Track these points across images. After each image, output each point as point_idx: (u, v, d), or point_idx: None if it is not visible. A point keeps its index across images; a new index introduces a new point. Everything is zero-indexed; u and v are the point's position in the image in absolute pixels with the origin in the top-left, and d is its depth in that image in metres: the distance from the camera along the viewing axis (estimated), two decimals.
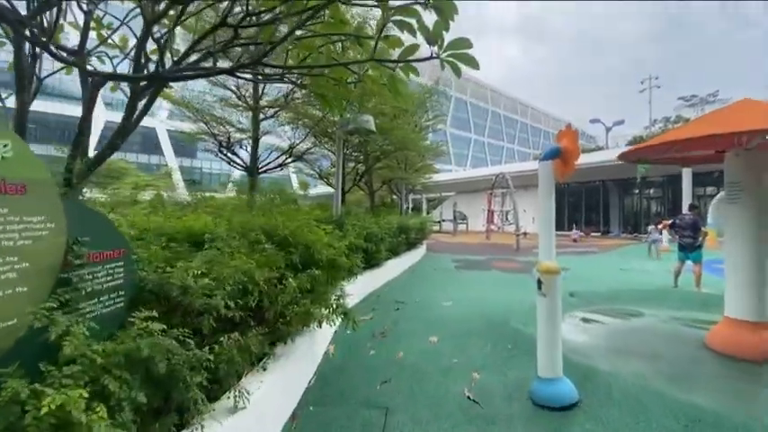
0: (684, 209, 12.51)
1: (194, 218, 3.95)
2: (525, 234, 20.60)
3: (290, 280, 2.80)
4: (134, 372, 1.38)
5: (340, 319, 3.36)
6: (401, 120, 9.12)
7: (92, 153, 2.72)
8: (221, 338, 1.90)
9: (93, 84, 2.37)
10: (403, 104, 8.08)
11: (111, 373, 1.29)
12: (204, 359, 1.56)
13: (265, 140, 7.72)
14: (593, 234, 25.02)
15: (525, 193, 24.74)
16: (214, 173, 53.29)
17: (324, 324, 3.08)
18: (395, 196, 19.98)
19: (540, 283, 2.95)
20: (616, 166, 24.10)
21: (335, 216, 6.65)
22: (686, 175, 9.18)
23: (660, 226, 15.33)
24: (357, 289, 5.96)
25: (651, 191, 26.03)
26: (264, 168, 6.62)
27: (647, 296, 6.40)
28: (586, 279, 8.34)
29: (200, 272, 1.96)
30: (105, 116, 39.60)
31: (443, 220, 29.55)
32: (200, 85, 6.62)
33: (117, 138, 2.54)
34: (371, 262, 7.02)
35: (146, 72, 2.53)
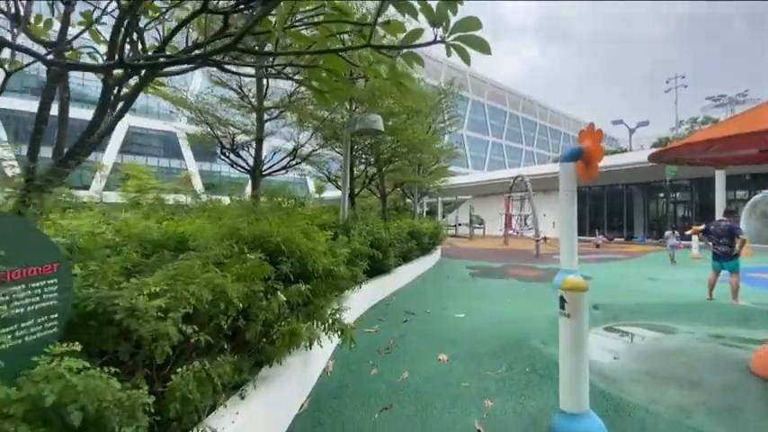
0: (718, 214, 11.73)
1: (186, 223, 3.72)
2: (545, 239, 19.88)
3: (278, 294, 2.50)
4: (42, 425, 1.09)
5: (338, 335, 3.05)
6: (413, 121, 8.78)
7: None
8: (179, 369, 1.60)
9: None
10: (413, 103, 7.75)
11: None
12: (139, 402, 1.26)
13: (272, 142, 7.50)
14: (616, 239, 24.01)
15: (545, 197, 23.97)
16: (233, 176, 54.18)
17: (316, 343, 2.76)
18: (408, 200, 19.63)
19: (563, 301, 2.54)
20: (640, 169, 23.12)
21: (342, 221, 6.36)
22: (719, 177, 8.51)
23: (690, 231, 14.49)
24: (364, 298, 5.65)
25: (677, 194, 24.83)
26: (269, 171, 6.38)
27: (680, 310, 5.84)
28: (611, 289, 7.79)
29: (157, 289, 1.67)
30: (129, 120, 40.77)
31: (459, 224, 28.98)
32: (202, 85, 6.45)
33: (88, 136, 2.30)
34: (381, 268, 6.71)
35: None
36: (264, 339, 2.35)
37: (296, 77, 3.10)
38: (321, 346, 2.92)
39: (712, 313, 5.62)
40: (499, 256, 14.55)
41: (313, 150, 6.73)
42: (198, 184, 40.19)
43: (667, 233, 13.80)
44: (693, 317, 5.51)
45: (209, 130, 6.07)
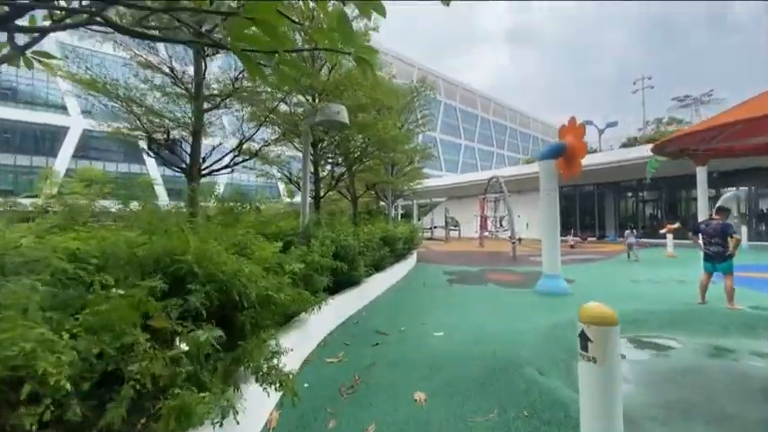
0: (701, 213, 11.68)
1: (86, 236, 2.80)
2: (520, 240, 19.65)
3: (178, 342, 1.67)
4: None
5: (276, 388, 2.22)
6: (383, 116, 8.07)
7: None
8: None
9: None
10: (383, 97, 7.04)
11: None
12: None
13: (218, 138, 6.52)
14: (589, 239, 24.20)
15: (519, 198, 23.87)
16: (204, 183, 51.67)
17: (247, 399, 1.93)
18: (382, 203, 18.92)
19: (585, 339, 1.82)
20: (610, 169, 23.47)
21: (302, 227, 5.52)
22: (701, 174, 8.27)
23: (664, 230, 14.53)
24: (328, 317, 4.83)
25: (646, 194, 25.38)
26: (209, 170, 5.43)
27: (678, 318, 5.35)
28: (597, 294, 7.29)
29: None
30: (82, 124, 38.12)
31: (435, 227, 28.55)
32: (122, 69, 5.43)
33: None
34: (349, 280, 5.91)
35: None
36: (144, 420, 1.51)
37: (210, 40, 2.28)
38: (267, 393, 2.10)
39: (712, 321, 5.15)
40: (476, 260, 14.03)
41: (265, 145, 5.82)
42: (162, 192, 38.04)
43: (627, 232, 14.25)
44: (694, 326, 5.02)
45: (136, 122, 5.06)
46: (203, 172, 5.20)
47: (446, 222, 25.37)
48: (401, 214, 45.08)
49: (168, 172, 48.25)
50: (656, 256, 14.47)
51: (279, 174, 8.95)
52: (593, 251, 17.29)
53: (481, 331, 4.77)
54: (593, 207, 26.73)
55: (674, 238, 13.99)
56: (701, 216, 16.12)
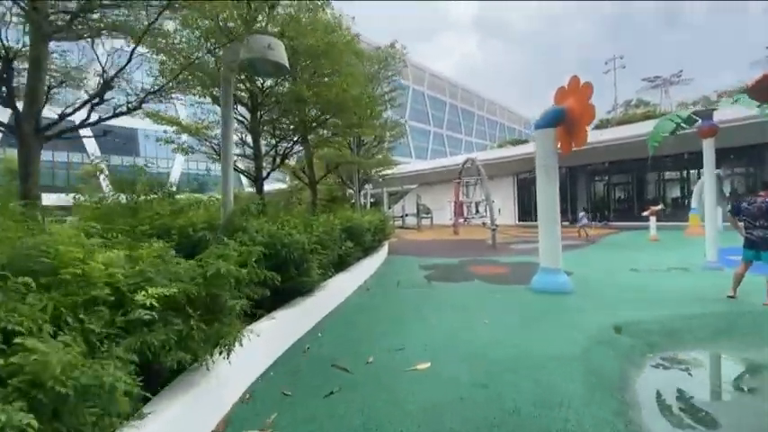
0: (695, 195, 10.90)
1: None
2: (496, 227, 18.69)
3: None
4: None
5: None
6: (343, 77, 6.42)
7: None
8: None
9: None
10: (341, 50, 5.38)
11: None
12: None
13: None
14: (563, 223, 23.70)
15: (490, 184, 22.86)
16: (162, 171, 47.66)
17: None
18: (350, 190, 17.27)
19: None
20: (581, 152, 22.95)
21: (223, 219, 3.87)
22: (708, 147, 7.29)
23: (647, 212, 13.86)
24: (258, 350, 3.26)
25: (616, 177, 25.18)
26: (49, 131, 3.58)
27: (724, 324, 4.19)
28: (602, 290, 6.13)
29: None
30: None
31: (406, 215, 27.25)
32: None
33: None
34: (295, 289, 4.34)
35: None
36: None
37: None
38: None
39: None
40: (453, 249, 12.77)
41: (158, 90, 4.02)
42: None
43: (581, 214, 16.43)
44: (748, 336, 3.86)
45: None
46: (49, 133, 3.38)
47: (418, 210, 24.08)
48: (371, 202, 43.59)
49: (115, 161, 43.98)
50: (638, 240, 13.80)
51: (202, 146, 7.05)
52: (572, 236, 16.53)
53: (483, 359, 3.36)
54: (564, 191, 26.29)
55: (657, 221, 13.33)
56: (695, 199, 15.82)
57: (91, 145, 40.98)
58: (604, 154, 22.29)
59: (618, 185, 25.24)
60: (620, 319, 4.33)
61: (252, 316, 3.57)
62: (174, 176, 49.24)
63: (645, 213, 13.61)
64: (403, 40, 11.78)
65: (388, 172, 15.45)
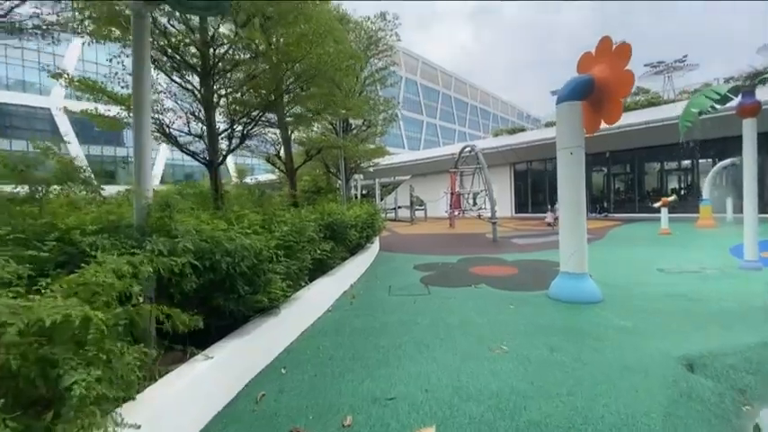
0: (748, 180, 9.92)
1: None
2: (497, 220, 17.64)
3: None
4: None
5: None
6: (320, 43, 5.17)
7: None
8: None
9: None
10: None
11: None
12: None
13: None
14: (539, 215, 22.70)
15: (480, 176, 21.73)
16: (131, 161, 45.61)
17: None
18: (340, 181, 16.05)
19: None
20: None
21: (138, 218, 2.69)
22: (749, 128, 6.25)
23: (659, 204, 12.90)
24: (189, 404, 2.11)
25: (616, 167, 24.25)
26: None
27: None
28: (638, 299, 5.08)
29: None
30: None
31: (399, 207, 26.12)
32: None
33: None
34: (254, 307, 3.20)
35: None
36: None
37: None
38: None
39: None
40: (451, 245, 11.69)
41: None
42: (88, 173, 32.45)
43: (556, 206, 16.61)
44: None
45: None
46: None
47: (411, 202, 22.95)
48: (363, 194, 42.34)
49: (94, 150, 42.01)
50: (647, 233, 12.83)
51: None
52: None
53: (515, 421, 2.25)
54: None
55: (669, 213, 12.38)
56: (706, 189, 14.71)
57: (70, 135, 38.98)
58: (605, 143, 21.32)
59: (618, 176, 24.35)
60: (684, 346, 3.26)
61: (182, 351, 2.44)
62: (159, 167, 47.41)
63: (657, 205, 12.64)
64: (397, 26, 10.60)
65: (379, 161, 14.22)
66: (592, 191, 24.77)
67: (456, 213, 17.37)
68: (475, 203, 16.33)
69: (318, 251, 4.55)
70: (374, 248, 9.47)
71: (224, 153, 5.70)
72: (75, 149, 36.54)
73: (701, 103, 6.45)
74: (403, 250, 10.64)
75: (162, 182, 40.65)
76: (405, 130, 68.87)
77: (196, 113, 5.44)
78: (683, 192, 20.01)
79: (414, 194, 23.22)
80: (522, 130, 26.86)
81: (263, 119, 6.50)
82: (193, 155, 5.42)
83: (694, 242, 10.45)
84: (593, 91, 5.00)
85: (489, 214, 17.56)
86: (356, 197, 21.97)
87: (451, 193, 17.04)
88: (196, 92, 4.98)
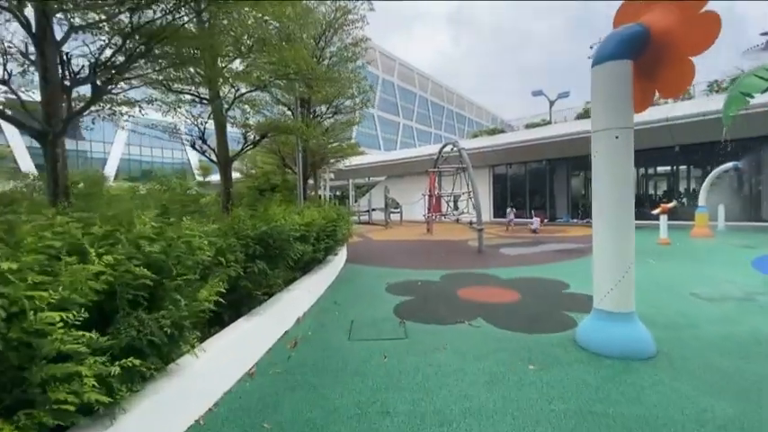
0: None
1: None
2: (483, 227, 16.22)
3: None
4: None
5: None
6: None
7: None
8: None
9: None
10: None
11: None
12: None
13: None
14: (545, 221, 21.69)
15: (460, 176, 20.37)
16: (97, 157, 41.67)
17: None
18: (310, 180, 14.13)
19: None
20: (564, 142, 21.06)
21: None
22: None
23: (658, 210, 11.76)
24: None
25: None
26: None
27: None
28: (705, 349, 3.54)
29: None
30: None
31: (373, 210, 24.38)
32: None
33: None
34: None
35: None
36: None
37: None
38: None
39: None
40: (430, 255, 10.04)
41: None
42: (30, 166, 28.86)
43: (508, 210, 18.23)
44: None
45: None
46: None
47: (386, 204, 21.25)
48: (336, 195, 40.33)
49: (37, 144, 38.06)
50: (645, 243, 11.63)
51: None
52: (562, 237, 14.30)
53: None
54: (543, 185, 24.37)
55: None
56: (703, 196, 13.70)
57: (9, 127, 34.90)
58: (588, 146, 20.39)
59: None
60: None
61: None
62: (112, 164, 43.50)
63: (656, 212, 11.49)
64: (376, 31, 9.02)
65: (350, 160, 12.44)
66: (572, 196, 23.93)
67: (435, 217, 15.80)
68: (456, 207, 14.79)
69: (242, 275, 2.73)
70: (338, 261, 7.68)
71: (81, 115, 3.69)
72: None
73: (755, 85, 5.05)
74: (375, 262, 8.89)
75: (116, 179, 37.09)
76: (381, 131, 67.51)
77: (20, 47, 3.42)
78: (683, 198, 19.08)
79: (389, 196, 21.53)
80: (502, 131, 25.74)
81: (192, 93, 4.69)
82: (17, 123, 3.39)
83: (703, 255, 9.26)
84: (647, 47, 3.43)
85: (471, 219, 16.16)
86: (323, 198, 20.09)
87: (430, 195, 15.44)
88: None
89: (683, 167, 20.62)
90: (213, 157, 5.98)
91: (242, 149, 6.41)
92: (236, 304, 3.64)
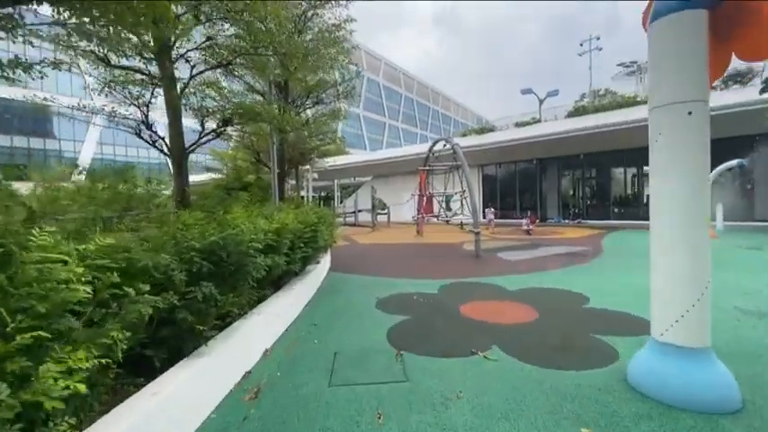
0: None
1: None
2: (463, 226, 15.44)
3: None
4: None
5: None
6: None
7: None
8: None
9: None
10: None
11: None
12: None
13: None
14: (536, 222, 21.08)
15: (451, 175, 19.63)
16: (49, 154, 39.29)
17: None
18: (293, 181, 13.07)
19: None
20: (554, 141, 20.51)
21: None
22: None
23: None
24: None
25: (590, 170, 23.04)
26: None
27: None
28: None
29: None
30: None
31: (360, 211, 23.38)
32: None
33: None
34: None
35: None
36: None
37: None
38: None
39: None
40: (423, 261, 9.13)
41: None
42: None
43: (487, 210, 18.17)
44: None
45: None
46: None
47: (373, 205, 20.29)
48: (321, 196, 39.13)
49: (3, 142, 35.67)
50: (638, 245, 10.96)
51: None
52: (558, 239, 13.60)
53: None
54: (533, 185, 23.80)
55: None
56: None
57: None
58: (578, 145, 19.92)
59: (592, 180, 23.17)
60: None
61: None
62: (84, 161, 41.16)
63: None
64: (363, 31, 8.12)
65: (334, 160, 11.43)
66: (562, 195, 23.44)
67: (426, 219, 14.93)
68: (449, 208, 13.92)
69: (117, 339, 1.72)
70: (320, 271, 6.69)
71: None
72: None
73: None
74: (362, 270, 7.92)
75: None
76: (366, 131, 66.59)
77: None
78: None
79: (376, 197, 20.57)
80: (492, 130, 25.10)
81: (137, 69, 3.67)
82: None
83: (717, 259, 8.59)
84: None
85: (462, 220, 15.37)
86: (306, 199, 18.98)
87: (420, 195, 14.54)
88: None
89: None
90: (173, 151, 4.91)
91: (199, 139, 5.34)
92: (176, 341, 2.64)
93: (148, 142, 5.00)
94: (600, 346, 3.58)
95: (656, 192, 2.79)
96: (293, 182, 19.07)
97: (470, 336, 3.95)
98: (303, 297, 5.12)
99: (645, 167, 20.94)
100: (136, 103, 4.94)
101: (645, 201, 20.72)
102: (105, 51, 4.41)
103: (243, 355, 3.21)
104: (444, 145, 12.82)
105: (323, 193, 40.58)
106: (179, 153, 4.86)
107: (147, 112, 4.94)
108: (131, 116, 5.00)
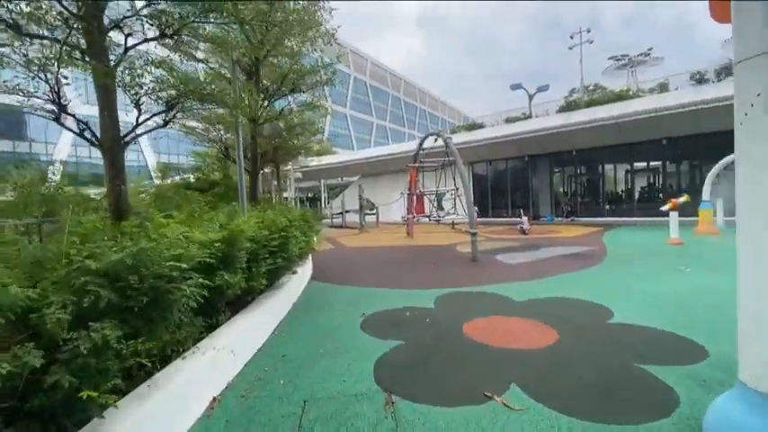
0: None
1: None
2: (455, 226, 14.66)
3: None
4: None
5: None
6: None
7: None
8: None
9: None
10: None
11: None
12: None
13: None
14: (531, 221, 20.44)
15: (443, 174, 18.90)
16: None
17: None
18: (275, 182, 12.09)
19: None
20: (546, 137, 19.95)
21: None
22: None
23: (668, 206, 10.50)
24: None
25: (582, 167, 22.55)
26: None
27: None
28: None
29: None
30: None
31: (347, 212, 22.46)
32: None
33: None
34: None
35: None
36: None
37: None
38: None
39: None
40: (415, 267, 8.28)
41: None
42: None
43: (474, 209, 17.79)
44: None
45: None
46: None
47: (361, 206, 19.39)
48: (307, 197, 38.04)
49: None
50: (651, 244, 10.34)
51: None
52: (555, 238, 12.92)
53: None
54: (525, 182, 23.18)
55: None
56: (707, 189, 12.52)
57: None
58: (571, 140, 19.38)
59: (584, 176, 22.68)
60: None
61: None
62: (57, 166, 39.19)
63: (664, 208, 10.24)
64: (344, 30, 7.37)
65: (322, 159, 10.52)
66: (554, 193, 22.91)
67: (416, 219, 14.10)
68: (441, 207, 13.11)
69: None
70: (297, 282, 5.78)
71: None
72: None
73: None
74: (346, 279, 7.03)
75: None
76: (354, 130, 65.70)
77: None
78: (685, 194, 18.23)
79: (363, 197, 19.67)
80: (481, 126, 24.44)
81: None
82: None
83: (728, 258, 7.97)
84: None
85: (453, 220, 14.58)
86: (289, 200, 18.03)
87: (410, 194, 13.70)
88: None
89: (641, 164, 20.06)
90: (104, 141, 3.94)
91: (137, 125, 4.36)
92: (51, 415, 1.73)
93: (73, 131, 3.98)
94: (649, 383, 2.77)
95: (748, 179, 1.97)
96: (274, 182, 18.04)
97: (480, 369, 3.10)
98: (272, 318, 4.21)
99: (637, 164, 20.51)
100: (42, 76, 3.87)
101: (637, 197, 20.32)
102: (11, 15, 3.44)
103: (178, 408, 2.30)
104: (435, 140, 12.01)
105: (309, 194, 39.50)
106: (112, 144, 3.86)
107: (59, 88, 3.91)
108: (40, 93, 3.93)
